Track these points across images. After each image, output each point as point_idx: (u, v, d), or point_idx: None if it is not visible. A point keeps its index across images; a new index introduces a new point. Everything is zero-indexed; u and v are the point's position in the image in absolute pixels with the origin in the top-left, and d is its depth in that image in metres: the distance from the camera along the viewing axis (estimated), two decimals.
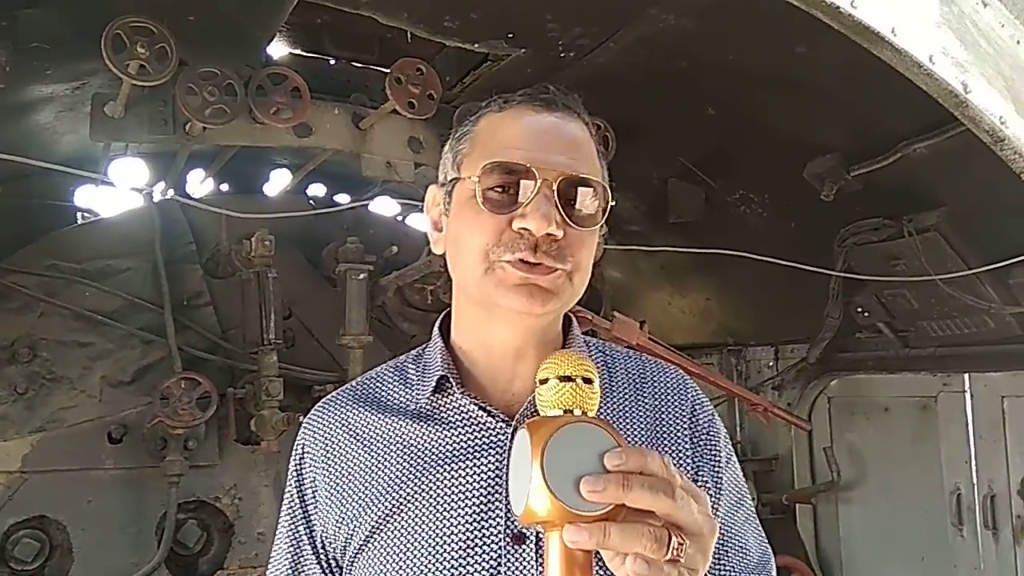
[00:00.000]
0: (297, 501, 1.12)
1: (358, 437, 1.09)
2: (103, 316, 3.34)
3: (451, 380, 1.07)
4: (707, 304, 4.41)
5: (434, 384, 1.07)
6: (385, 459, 1.06)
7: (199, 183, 4.00)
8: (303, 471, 1.12)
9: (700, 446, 1.12)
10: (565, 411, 0.84)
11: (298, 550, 1.12)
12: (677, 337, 4.33)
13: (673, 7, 2.61)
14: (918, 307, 3.20)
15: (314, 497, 1.10)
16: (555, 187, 0.98)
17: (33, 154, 2.84)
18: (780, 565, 3.03)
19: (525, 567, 0.99)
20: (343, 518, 1.06)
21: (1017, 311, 2.89)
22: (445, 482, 1.02)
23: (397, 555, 1.01)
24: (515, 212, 0.99)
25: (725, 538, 1.10)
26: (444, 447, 1.04)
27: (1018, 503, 3.11)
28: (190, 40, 2.63)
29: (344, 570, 1.07)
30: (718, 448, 1.14)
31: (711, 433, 1.14)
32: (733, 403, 4.36)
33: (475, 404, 1.05)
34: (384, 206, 4.13)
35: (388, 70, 2.91)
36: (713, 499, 1.08)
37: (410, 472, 1.04)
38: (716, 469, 1.12)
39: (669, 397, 1.15)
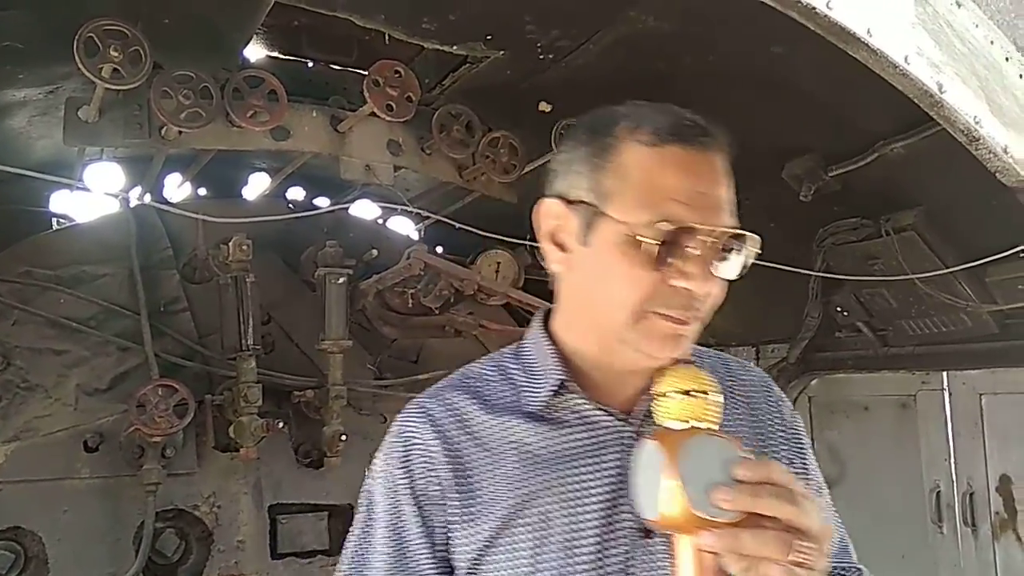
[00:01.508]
0: (407, 497, 1.09)
1: (475, 436, 1.10)
2: (78, 323, 3.29)
3: (570, 385, 1.09)
4: None
5: (552, 388, 1.09)
6: (504, 459, 1.07)
7: (176, 187, 3.95)
8: (414, 466, 1.09)
9: (791, 441, 1.19)
10: (687, 423, 0.91)
11: (403, 550, 1.09)
12: None
13: (651, 9, 2.61)
14: (896, 306, 3.22)
15: (440, 492, 1.08)
16: (718, 247, 1.00)
17: (6, 159, 2.80)
18: None
19: (655, 560, 1.04)
20: (468, 516, 1.06)
21: (994, 309, 2.92)
22: (572, 480, 1.05)
23: (530, 553, 1.04)
24: (675, 270, 0.99)
25: None
26: (564, 447, 1.07)
27: (996, 500, 3.14)
28: (165, 43, 2.60)
29: (465, 569, 1.07)
30: (804, 441, 1.20)
31: (796, 427, 1.21)
32: None
33: (592, 405, 1.08)
34: (364, 209, 4.11)
35: (366, 72, 2.90)
36: None
37: (532, 471, 1.06)
38: (805, 462, 1.20)
39: (758, 395, 1.20)
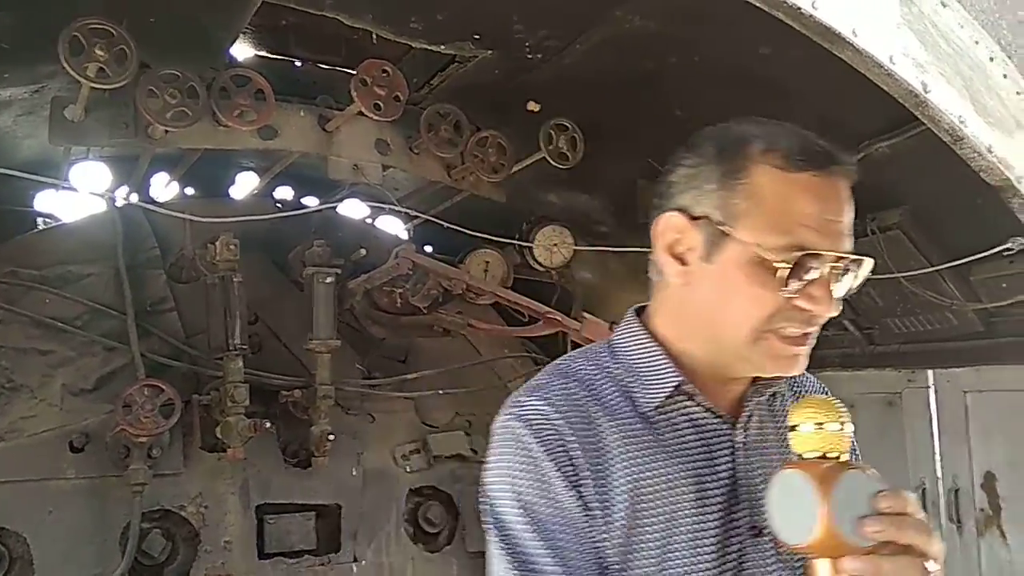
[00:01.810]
0: (560, 481, 1.03)
1: (597, 431, 1.07)
2: (64, 323, 3.27)
3: (687, 388, 1.10)
4: None
5: (669, 390, 1.09)
6: (626, 456, 1.06)
7: (163, 187, 3.94)
8: (555, 454, 1.04)
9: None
10: (823, 454, 0.96)
11: (575, 536, 1.03)
12: None
13: (638, 9, 2.61)
14: (882, 304, 3.24)
15: (578, 480, 1.04)
16: (839, 270, 1.03)
17: None
18: None
19: (765, 557, 1.09)
20: (604, 506, 1.04)
21: (979, 307, 2.94)
22: (693, 480, 1.07)
23: (658, 551, 1.05)
24: (801, 292, 1.01)
25: None
26: (680, 447, 1.09)
27: (981, 497, 3.16)
28: (151, 42, 2.59)
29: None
30: (856, 449, 1.23)
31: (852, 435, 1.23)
32: None
33: (702, 409, 1.11)
34: (352, 209, 4.10)
35: (354, 72, 2.89)
36: None
37: (652, 471, 1.06)
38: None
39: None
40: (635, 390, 1.10)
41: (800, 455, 0.97)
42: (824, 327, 1.10)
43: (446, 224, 3.49)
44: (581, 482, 1.04)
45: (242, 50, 3.23)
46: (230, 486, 3.35)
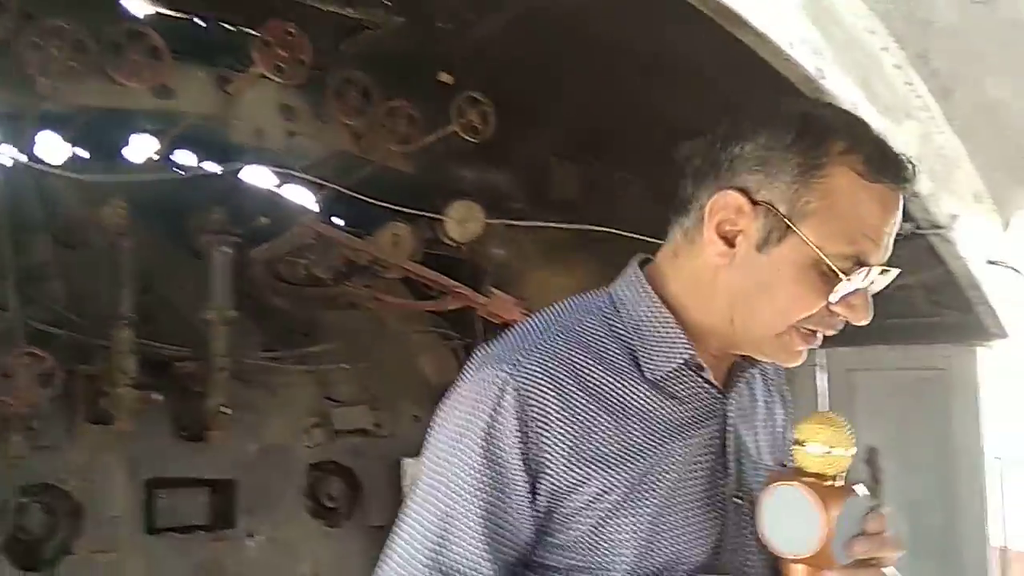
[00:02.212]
0: (516, 459, 1.01)
1: (596, 396, 1.04)
2: None
3: (694, 365, 1.09)
4: (588, 284, 4.45)
5: (680, 362, 1.08)
6: (629, 423, 1.05)
7: (52, 147, 3.72)
8: (528, 426, 1.01)
9: (787, 406, 1.29)
10: (821, 474, 1.00)
11: (501, 519, 1.02)
12: None
13: None
14: None
15: (552, 455, 1.01)
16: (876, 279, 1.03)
17: None
18: None
19: (744, 526, 1.10)
20: (584, 479, 1.02)
21: None
22: (686, 449, 1.08)
23: (651, 518, 1.05)
24: (842, 299, 1.01)
25: None
26: (681, 416, 1.09)
27: (866, 471, 3.31)
28: None
29: (583, 531, 1.04)
30: (791, 407, 1.30)
31: (785, 392, 1.31)
32: None
33: (704, 380, 1.11)
34: (255, 175, 3.96)
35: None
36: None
37: (655, 439, 1.06)
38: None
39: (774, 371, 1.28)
40: (642, 354, 1.08)
41: (800, 469, 1.01)
42: None
43: (353, 194, 3.41)
44: (558, 460, 1.02)
45: (139, 6, 3.07)
46: (117, 460, 3.21)
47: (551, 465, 1.01)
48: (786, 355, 1.08)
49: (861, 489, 1.01)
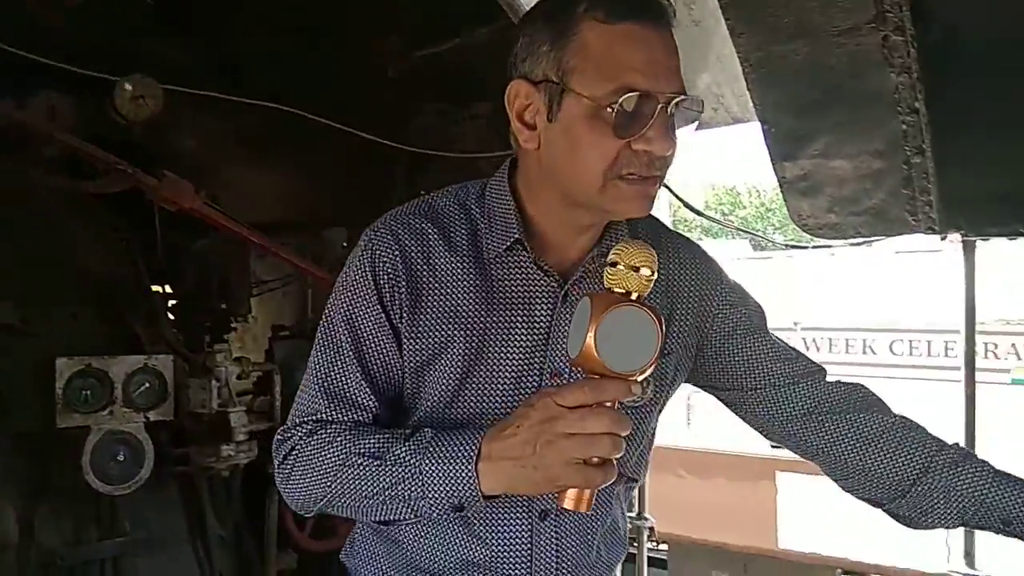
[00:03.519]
0: (374, 299, 1.24)
1: (432, 265, 1.25)
2: None
3: (524, 245, 1.24)
4: (287, 180, 4.24)
5: (508, 245, 1.24)
6: (453, 291, 1.24)
7: None
8: (379, 276, 1.24)
9: (706, 299, 1.39)
10: (624, 292, 1.06)
11: (372, 349, 1.26)
12: (257, 214, 4.10)
13: None
14: None
15: (398, 303, 1.24)
16: (670, 110, 1.11)
17: None
18: None
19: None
20: (413, 331, 1.24)
21: None
22: (508, 323, 1.24)
23: (458, 378, 1.23)
24: (638, 135, 1.11)
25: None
26: (505, 293, 1.24)
27: None
28: None
29: (406, 377, 1.26)
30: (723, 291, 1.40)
31: (722, 282, 1.41)
32: (306, 282, 4.31)
33: (537, 265, 1.25)
34: None
35: None
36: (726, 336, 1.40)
37: (473, 309, 1.24)
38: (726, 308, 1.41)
39: (682, 266, 1.38)
40: (484, 235, 1.26)
41: (609, 290, 1.08)
42: None
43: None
44: (401, 313, 1.23)
45: None
46: None
47: (397, 314, 1.24)
48: (624, 204, 1.17)
49: (648, 313, 1.09)
